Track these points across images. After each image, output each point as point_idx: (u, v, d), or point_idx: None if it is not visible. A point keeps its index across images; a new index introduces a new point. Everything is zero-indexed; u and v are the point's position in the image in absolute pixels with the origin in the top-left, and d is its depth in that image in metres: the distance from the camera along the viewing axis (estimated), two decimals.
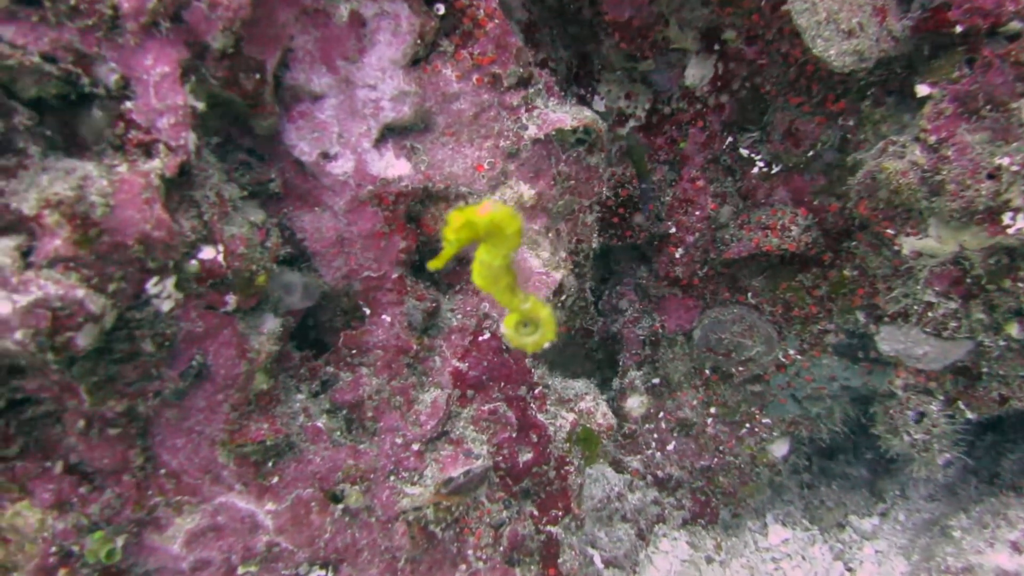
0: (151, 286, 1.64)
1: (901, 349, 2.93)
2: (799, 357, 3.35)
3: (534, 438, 2.44)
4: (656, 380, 3.64)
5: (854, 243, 2.90)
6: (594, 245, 2.37)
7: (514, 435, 2.41)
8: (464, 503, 2.33)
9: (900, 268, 2.68)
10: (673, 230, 3.13)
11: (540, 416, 2.47)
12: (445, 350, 2.36)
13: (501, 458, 2.40)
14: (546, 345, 1.54)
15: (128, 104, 1.54)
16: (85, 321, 1.47)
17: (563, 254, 2.27)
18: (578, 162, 2.13)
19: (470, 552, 2.38)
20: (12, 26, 1.36)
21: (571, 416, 2.60)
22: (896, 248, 2.60)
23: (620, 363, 3.66)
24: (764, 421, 3.63)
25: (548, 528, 2.51)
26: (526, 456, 2.43)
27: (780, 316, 3.28)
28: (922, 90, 2.11)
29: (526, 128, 1.98)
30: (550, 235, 2.20)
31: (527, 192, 2.07)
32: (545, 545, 2.50)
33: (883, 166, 2.23)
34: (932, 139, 2.10)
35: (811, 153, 2.82)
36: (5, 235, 1.41)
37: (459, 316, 2.36)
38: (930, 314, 2.65)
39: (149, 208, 1.52)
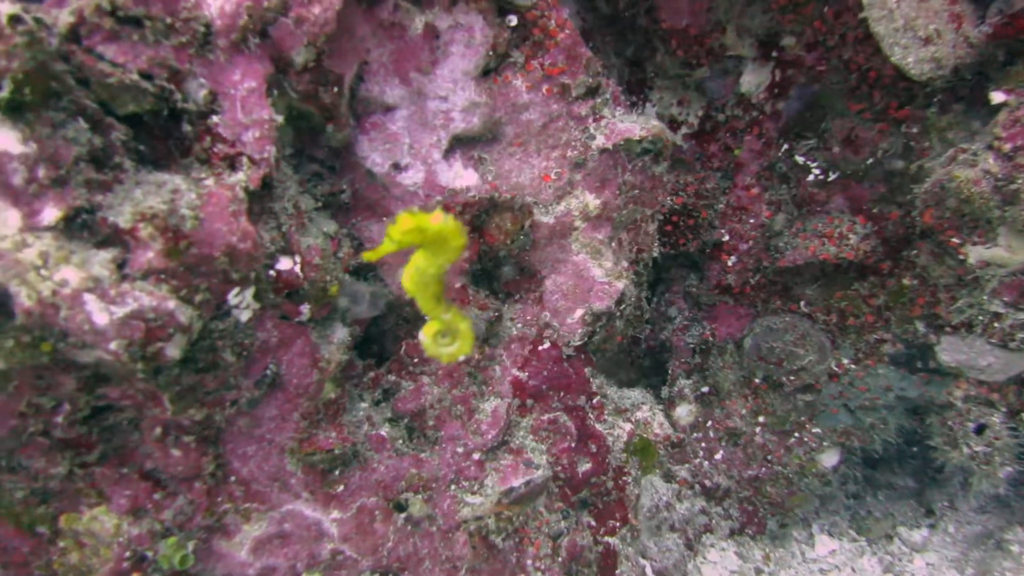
0: (232, 297, 1.66)
1: (963, 360, 2.87)
2: (853, 367, 3.29)
3: (593, 448, 2.43)
4: (705, 388, 3.61)
5: (914, 252, 2.85)
6: (655, 254, 2.36)
7: (573, 445, 2.41)
8: (524, 513, 2.33)
9: (965, 278, 2.63)
10: (726, 238, 3.11)
11: (598, 426, 2.47)
12: (505, 359, 2.36)
13: (560, 468, 2.39)
14: (461, 358, 1.53)
15: (214, 119, 1.56)
16: (175, 332, 1.49)
17: (624, 263, 2.26)
18: (643, 171, 2.12)
19: (529, 562, 2.38)
20: (114, 45, 1.39)
21: (628, 426, 2.59)
22: (961, 257, 2.55)
23: (669, 371, 3.63)
24: (814, 431, 3.58)
25: (606, 539, 2.50)
26: (585, 466, 2.43)
27: (834, 325, 3.23)
28: (997, 97, 2.07)
29: (594, 138, 1.98)
30: (612, 245, 2.20)
31: (592, 202, 2.07)
32: (603, 556, 2.49)
33: (953, 174, 2.19)
34: (1007, 147, 2.06)
35: (871, 160, 2.78)
36: (102, 248, 1.44)
37: (519, 325, 2.37)
38: (997, 325, 2.59)
39: (235, 220, 1.54)
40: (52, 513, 1.98)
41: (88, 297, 1.38)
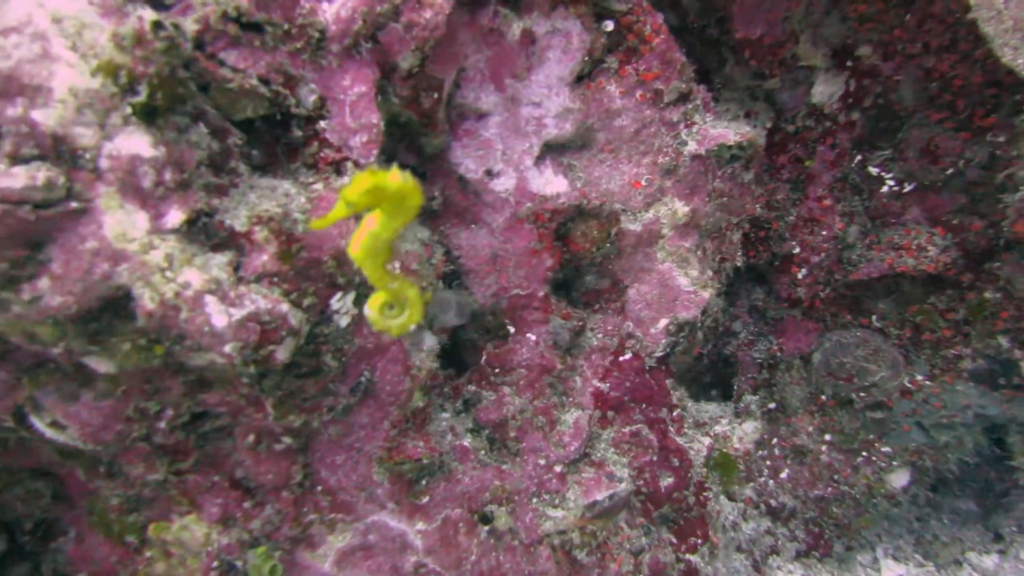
0: (335, 301, 1.66)
1: None
2: (928, 383, 3.20)
3: (675, 462, 2.38)
4: (772, 405, 3.53)
5: (997, 264, 2.78)
6: (739, 264, 2.32)
7: (655, 458, 2.36)
8: (607, 528, 2.28)
9: None
10: (797, 250, 3.05)
11: (679, 439, 2.42)
12: (586, 370, 2.33)
13: (643, 482, 2.34)
14: (411, 328, 1.46)
15: (322, 124, 1.57)
16: (286, 335, 1.49)
17: (710, 273, 2.23)
18: (732, 179, 2.09)
19: None
20: (235, 51, 1.41)
21: (707, 440, 2.53)
22: None
23: (735, 387, 3.56)
24: (884, 450, 3.48)
25: (687, 556, 2.44)
26: (667, 480, 2.38)
27: (908, 340, 3.15)
28: None
29: (685, 144, 1.96)
30: (698, 253, 2.17)
31: (681, 209, 2.04)
32: (685, 574, 2.42)
33: None
34: None
35: (951, 171, 2.72)
36: (219, 251, 1.44)
37: (599, 336, 2.34)
38: None
39: (344, 224, 1.54)
40: (142, 522, 1.98)
41: (209, 299, 1.38)
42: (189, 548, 1.99)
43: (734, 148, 2.00)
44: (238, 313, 1.40)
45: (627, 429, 2.34)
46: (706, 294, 2.18)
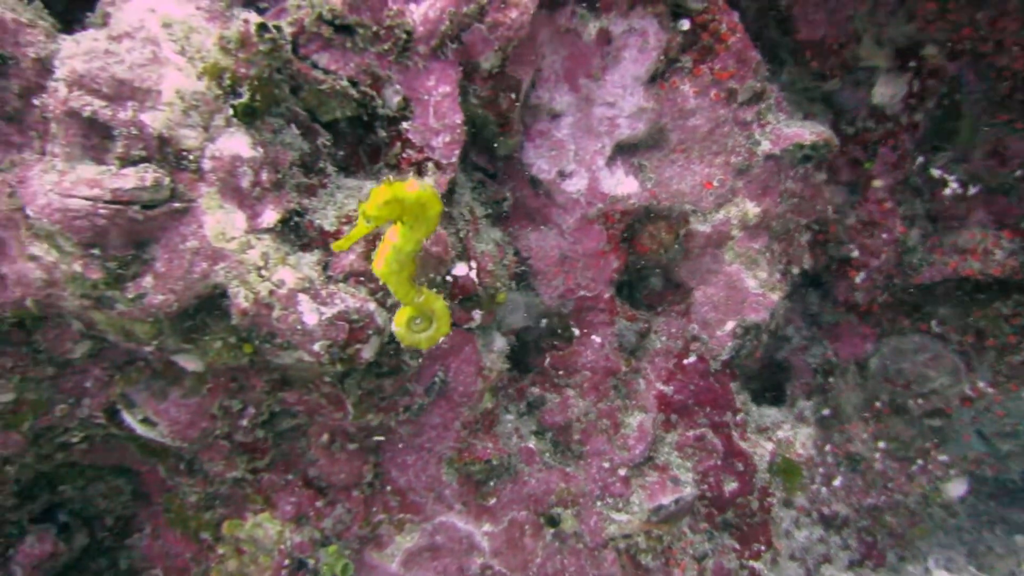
0: None
1: None
2: (991, 390, 3.13)
3: (740, 467, 2.35)
4: (827, 411, 3.48)
5: None
6: (806, 266, 2.30)
7: (719, 463, 2.34)
8: (672, 532, 2.26)
9: None
10: (855, 253, 3.01)
11: (743, 444, 2.39)
12: (649, 372, 2.32)
13: (707, 486, 2.32)
14: (440, 340, 1.42)
15: (405, 124, 1.58)
16: (373, 334, 1.50)
17: (777, 275, 2.20)
18: (805, 179, 2.07)
19: None
20: (327, 53, 1.43)
21: (770, 445, 2.50)
22: None
23: (787, 392, 3.52)
24: (941, 458, 3.40)
25: (751, 563, 2.41)
26: (731, 486, 2.35)
27: (970, 346, 3.08)
28: None
29: (759, 143, 1.95)
30: (767, 255, 2.14)
31: (752, 210, 2.02)
32: None
33: None
34: None
35: (1019, 172, 2.67)
36: (308, 250, 1.46)
37: (663, 338, 2.32)
38: None
39: None
40: (216, 519, 2.01)
41: (302, 297, 1.40)
42: (262, 545, 2.01)
43: (807, 148, 1.98)
44: (328, 311, 1.42)
45: (691, 433, 2.32)
46: (775, 296, 2.16)
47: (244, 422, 1.73)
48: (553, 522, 2.13)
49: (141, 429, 1.63)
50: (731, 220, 2.05)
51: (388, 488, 2.04)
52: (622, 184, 1.96)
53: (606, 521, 2.23)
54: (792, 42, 2.71)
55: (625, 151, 1.98)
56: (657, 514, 2.21)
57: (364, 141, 1.62)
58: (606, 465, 2.25)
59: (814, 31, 2.62)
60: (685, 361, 2.31)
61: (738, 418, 2.39)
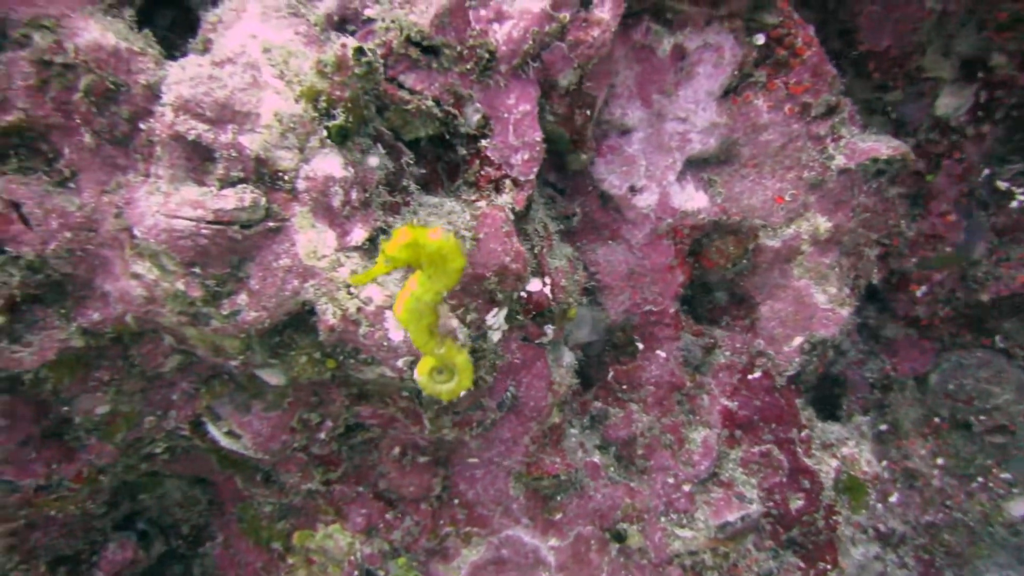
0: (490, 317, 1.68)
1: None
2: None
3: (806, 484, 2.32)
4: (884, 426, 3.41)
5: None
6: (873, 280, 2.26)
7: (785, 480, 2.31)
8: (737, 549, 2.24)
9: None
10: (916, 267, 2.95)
11: (807, 461, 2.36)
12: (713, 388, 2.30)
13: (772, 503, 2.29)
14: (462, 394, 1.38)
15: (483, 142, 1.60)
16: None
17: (847, 290, 2.17)
18: (878, 193, 2.05)
19: None
20: (413, 74, 1.45)
21: (835, 462, 2.46)
22: None
23: (843, 407, 3.46)
24: (1003, 476, 3.32)
25: None
26: (797, 503, 2.32)
27: None
28: None
29: (832, 158, 1.93)
30: (836, 270, 2.12)
31: (823, 224, 2.01)
32: None
33: None
34: None
35: None
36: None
37: (727, 353, 2.30)
38: None
39: (508, 241, 1.57)
40: (288, 529, 2.04)
41: (388, 314, 1.42)
42: (332, 556, 2.03)
43: (882, 162, 1.95)
44: None
45: (756, 449, 2.29)
46: (844, 312, 2.13)
47: (322, 435, 1.76)
48: (620, 537, 2.12)
49: (225, 441, 1.67)
50: (801, 235, 2.03)
51: (456, 501, 2.06)
52: (692, 199, 1.96)
53: (670, 537, 2.21)
54: (855, 53, 2.68)
55: (695, 166, 1.98)
56: (723, 531, 2.19)
57: (442, 159, 1.64)
58: (670, 480, 2.23)
59: (878, 42, 2.59)
60: (750, 376, 2.28)
61: (803, 434, 2.36)
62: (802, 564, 2.37)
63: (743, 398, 2.29)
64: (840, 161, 1.91)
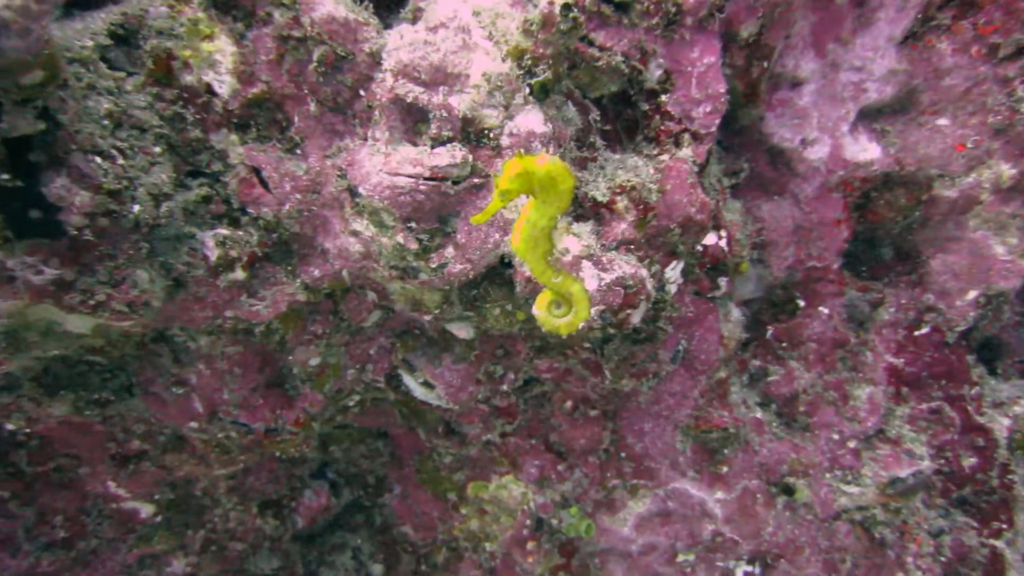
0: (668, 270, 1.71)
1: None
2: None
3: (979, 442, 2.24)
4: None
5: None
6: None
7: (956, 437, 2.23)
8: (907, 506, 2.20)
9: None
10: None
11: (980, 419, 2.27)
12: (877, 344, 2.24)
13: (943, 461, 2.23)
14: (580, 326, 1.34)
15: (663, 97, 1.62)
16: (642, 300, 1.56)
17: None
18: None
19: (910, 559, 2.23)
20: (603, 31, 1.49)
21: (1007, 421, 2.36)
22: None
23: (999, 371, 3.29)
24: None
25: (991, 541, 2.29)
26: (970, 461, 2.24)
27: None
28: None
29: (1021, 101, 1.83)
30: (1018, 220, 2.02)
31: (1007, 172, 1.91)
32: (991, 560, 2.28)
33: None
34: None
35: None
36: (582, 220, 1.53)
37: (891, 310, 2.24)
38: None
39: (693, 192, 1.59)
40: (463, 480, 2.15)
41: (585, 264, 1.47)
42: (505, 506, 2.13)
43: None
44: (608, 277, 1.48)
45: (924, 406, 2.23)
46: None
47: (504, 387, 1.84)
48: (789, 491, 2.13)
49: (420, 392, 1.78)
50: (982, 183, 1.94)
51: (623, 454, 2.11)
52: (865, 150, 1.91)
53: (837, 493, 2.19)
54: None
55: (868, 117, 1.92)
56: (893, 487, 2.15)
57: (621, 116, 1.67)
58: (835, 437, 2.21)
59: None
60: (917, 332, 2.22)
61: (974, 391, 2.27)
62: (975, 523, 2.29)
63: (910, 354, 2.23)
64: None
